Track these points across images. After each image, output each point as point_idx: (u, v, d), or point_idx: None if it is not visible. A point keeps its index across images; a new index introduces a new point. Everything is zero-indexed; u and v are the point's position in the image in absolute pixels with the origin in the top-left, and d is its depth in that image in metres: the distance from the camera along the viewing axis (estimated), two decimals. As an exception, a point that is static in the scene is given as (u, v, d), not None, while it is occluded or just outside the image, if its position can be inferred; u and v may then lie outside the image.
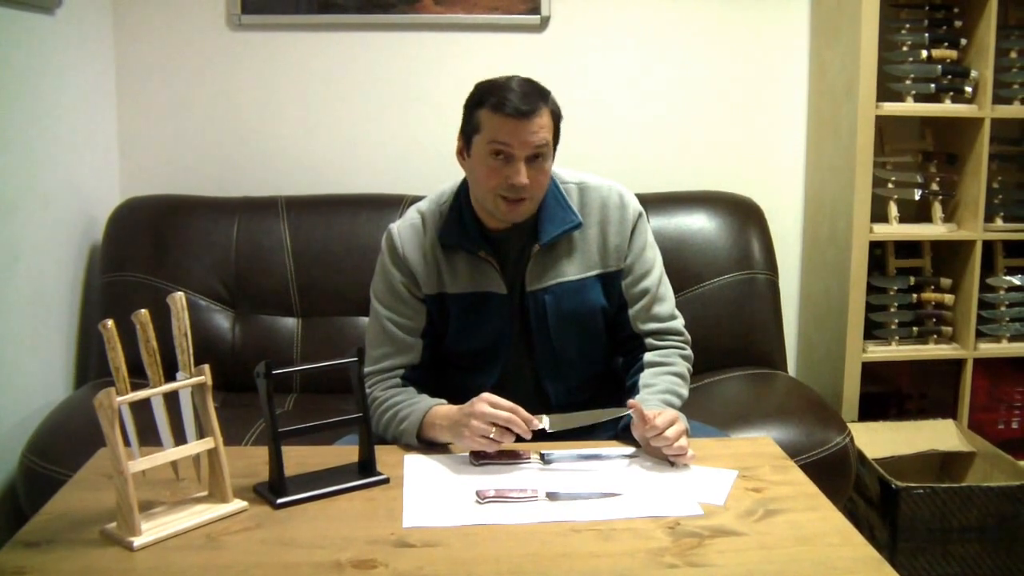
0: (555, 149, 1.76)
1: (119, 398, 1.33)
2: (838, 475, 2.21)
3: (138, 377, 1.38)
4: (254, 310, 2.59)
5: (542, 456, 1.62)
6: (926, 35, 2.75)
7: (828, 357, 2.87)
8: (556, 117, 1.74)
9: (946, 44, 2.76)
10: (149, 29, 2.78)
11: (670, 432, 1.58)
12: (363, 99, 2.86)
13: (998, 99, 2.74)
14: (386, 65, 2.85)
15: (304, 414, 2.36)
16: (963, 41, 2.76)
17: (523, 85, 1.71)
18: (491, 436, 1.58)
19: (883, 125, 2.78)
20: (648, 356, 1.83)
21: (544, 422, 1.63)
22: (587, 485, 1.52)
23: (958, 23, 2.77)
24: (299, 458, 1.58)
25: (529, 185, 1.69)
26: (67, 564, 1.28)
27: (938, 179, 2.84)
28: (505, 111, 1.67)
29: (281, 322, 2.60)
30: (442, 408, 1.70)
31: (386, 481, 1.54)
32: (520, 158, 1.68)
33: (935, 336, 2.84)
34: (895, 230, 2.81)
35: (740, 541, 1.35)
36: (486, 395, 1.61)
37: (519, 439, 1.60)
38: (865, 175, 2.69)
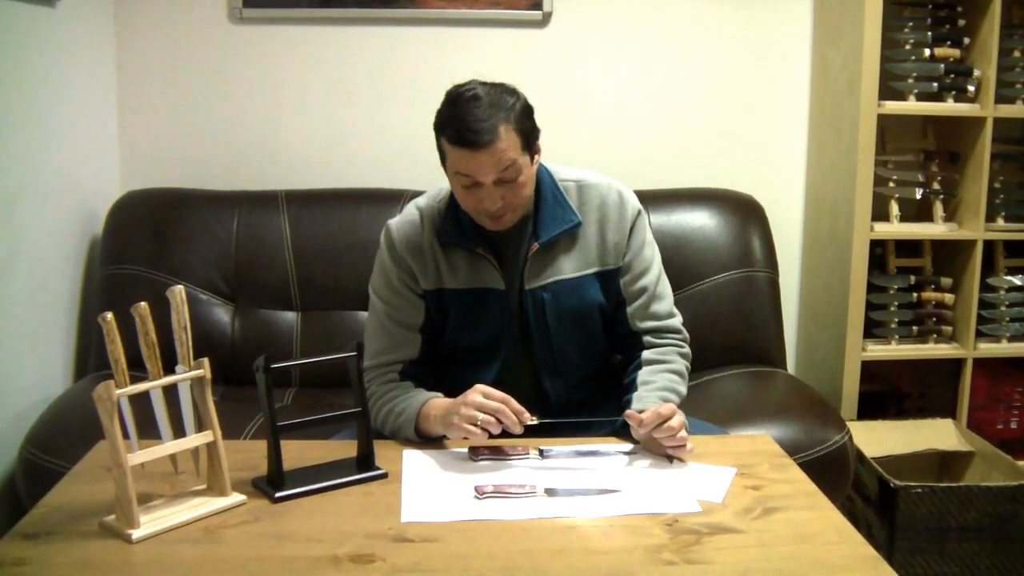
0: (533, 146, 1.71)
1: (118, 391, 1.33)
2: (837, 473, 2.21)
3: (137, 370, 1.38)
4: (254, 304, 2.59)
5: (541, 452, 1.63)
6: (929, 34, 2.75)
7: (828, 355, 2.87)
8: (522, 123, 1.67)
9: (949, 43, 2.75)
10: (150, 22, 2.77)
11: (674, 421, 1.58)
12: (364, 93, 2.86)
13: (1000, 98, 2.73)
14: (388, 59, 2.84)
15: (303, 408, 2.36)
16: (966, 40, 2.76)
17: (479, 107, 1.62)
18: (478, 423, 1.57)
19: (885, 124, 2.77)
20: (646, 354, 1.82)
21: (535, 420, 1.63)
22: (585, 481, 1.52)
23: (961, 22, 2.77)
24: (298, 452, 1.58)
25: (505, 203, 1.68)
26: (66, 556, 1.29)
27: (939, 178, 2.84)
28: (462, 144, 1.63)
29: (281, 316, 2.60)
30: (438, 400, 1.70)
31: (385, 476, 1.54)
32: (487, 184, 1.66)
33: (935, 335, 2.84)
34: (896, 229, 2.81)
35: (738, 539, 1.36)
36: (480, 386, 1.62)
37: (513, 434, 1.60)
38: (866, 173, 2.68)
